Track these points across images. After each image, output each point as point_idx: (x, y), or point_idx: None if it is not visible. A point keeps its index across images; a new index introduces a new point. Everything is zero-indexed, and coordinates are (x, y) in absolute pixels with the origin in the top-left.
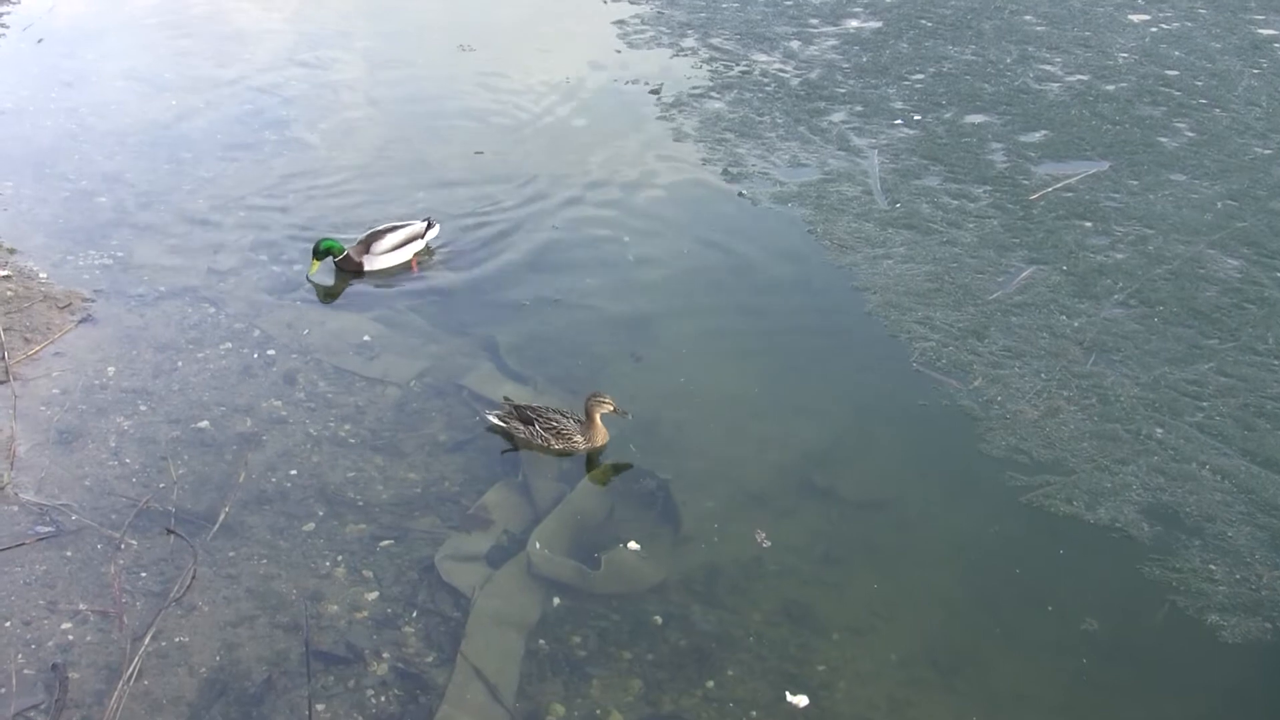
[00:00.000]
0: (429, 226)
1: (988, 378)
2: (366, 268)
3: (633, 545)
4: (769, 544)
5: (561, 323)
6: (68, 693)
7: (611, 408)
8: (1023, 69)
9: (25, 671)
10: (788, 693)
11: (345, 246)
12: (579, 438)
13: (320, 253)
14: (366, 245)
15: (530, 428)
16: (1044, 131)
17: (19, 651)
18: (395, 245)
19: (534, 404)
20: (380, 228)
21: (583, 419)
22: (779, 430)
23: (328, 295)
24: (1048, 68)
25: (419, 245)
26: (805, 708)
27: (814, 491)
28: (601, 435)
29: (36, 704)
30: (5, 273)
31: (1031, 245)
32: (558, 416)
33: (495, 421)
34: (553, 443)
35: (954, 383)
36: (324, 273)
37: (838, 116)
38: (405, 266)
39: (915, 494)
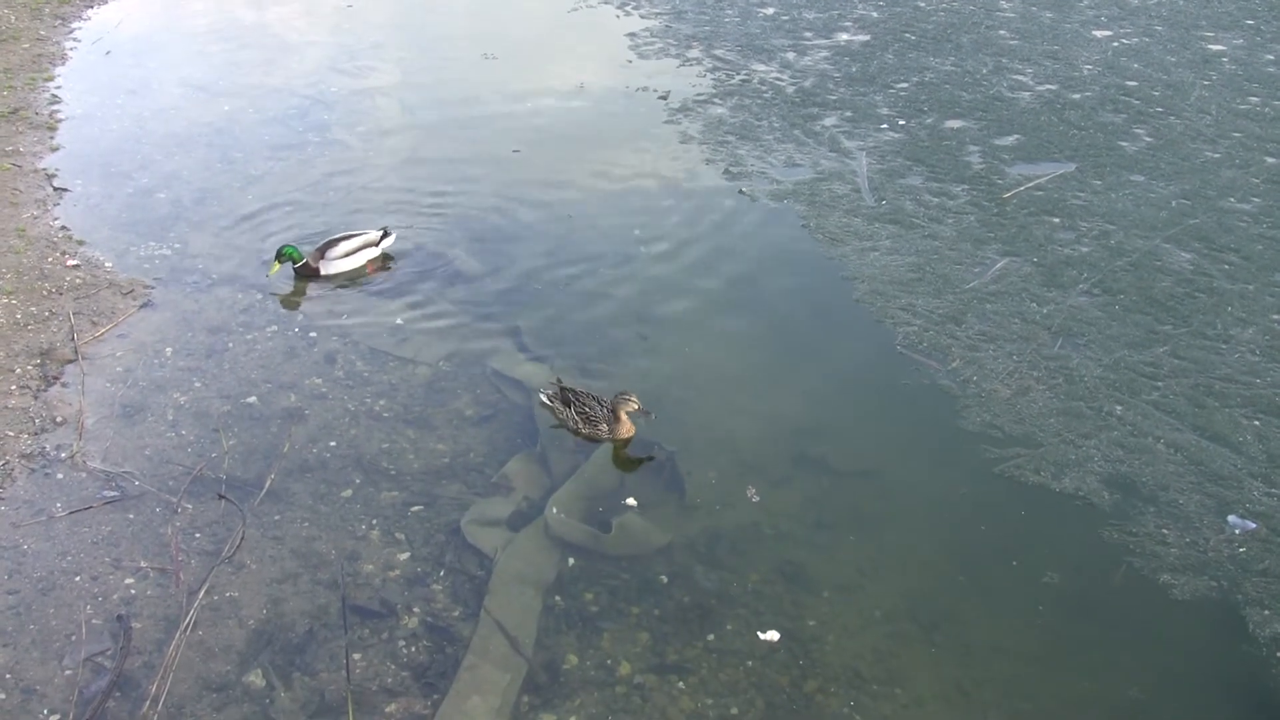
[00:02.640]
0: (384, 235)
1: (965, 359)
2: (322, 272)
3: (630, 501)
4: (758, 499)
5: (577, 307)
6: (131, 640)
7: (636, 406)
8: (997, 79)
9: (93, 621)
10: (759, 632)
11: (305, 254)
12: (603, 426)
13: (281, 257)
14: (322, 252)
15: (567, 409)
16: (1016, 136)
17: (87, 603)
18: (348, 252)
19: (578, 388)
20: (335, 236)
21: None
22: (775, 406)
23: (290, 298)
24: (1020, 78)
25: (373, 252)
26: (777, 640)
27: (807, 462)
28: (627, 429)
29: (104, 650)
30: (75, 262)
31: (1005, 239)
32: (593, 403)
33: (545, 400)
34: (581, 427)
35: (934, 364)
36: (283, 275)
37: (829, 121)
38: (360, 270)
39: (899, 465)
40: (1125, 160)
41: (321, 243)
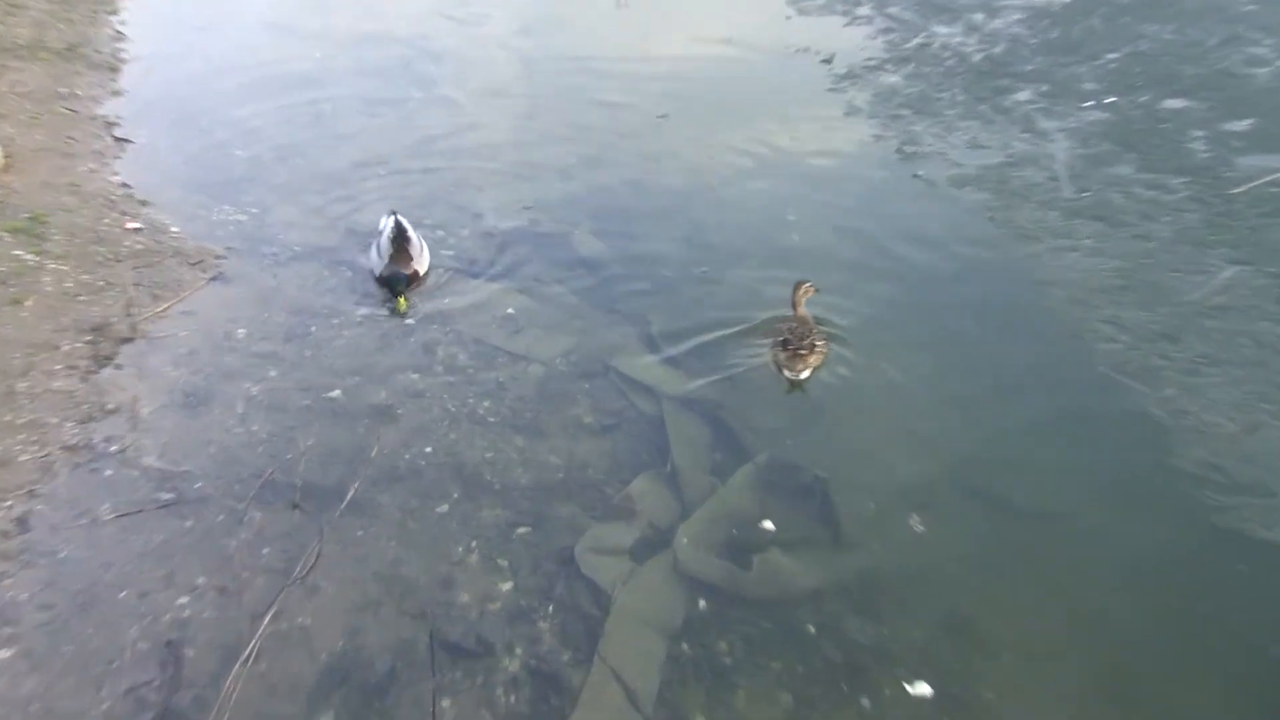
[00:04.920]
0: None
1: (1181, 386)
2: (420, 271)
3: (767, 524)
4: (923, 529)
5: (717, 303)
6: (182, 671)
7: (815, 290)
8: (1229, 51)
9: (139, 645)
10: (906, 685)
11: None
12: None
13: (398, 287)
14: (407, 256)
15: (805, 344)
16: (1251, 120)
17: (134, 624)
18: (420, 243)
19: (781, 339)
20: (383, 237)
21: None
22: (946, 429)
23: (405, 308)
24: (1257, 50)
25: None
26: (930, 696)
27: (983, 498)
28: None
29: (149, 681)
30: (136, 225)
31: (1233, 243)
32: (791, 328)
33: (806, 375)
34: (818, 343)
35: (1143, 388)
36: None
37: (1023, 96)
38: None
39: (1093, 507)
40: None
41: (389, 251)
